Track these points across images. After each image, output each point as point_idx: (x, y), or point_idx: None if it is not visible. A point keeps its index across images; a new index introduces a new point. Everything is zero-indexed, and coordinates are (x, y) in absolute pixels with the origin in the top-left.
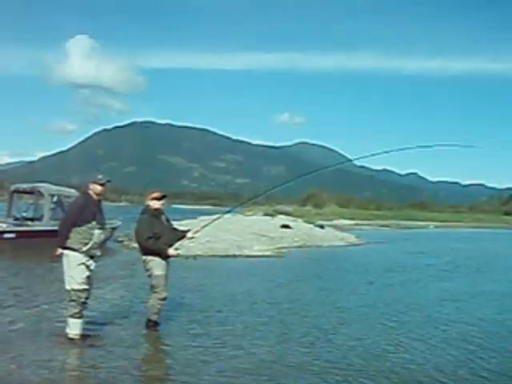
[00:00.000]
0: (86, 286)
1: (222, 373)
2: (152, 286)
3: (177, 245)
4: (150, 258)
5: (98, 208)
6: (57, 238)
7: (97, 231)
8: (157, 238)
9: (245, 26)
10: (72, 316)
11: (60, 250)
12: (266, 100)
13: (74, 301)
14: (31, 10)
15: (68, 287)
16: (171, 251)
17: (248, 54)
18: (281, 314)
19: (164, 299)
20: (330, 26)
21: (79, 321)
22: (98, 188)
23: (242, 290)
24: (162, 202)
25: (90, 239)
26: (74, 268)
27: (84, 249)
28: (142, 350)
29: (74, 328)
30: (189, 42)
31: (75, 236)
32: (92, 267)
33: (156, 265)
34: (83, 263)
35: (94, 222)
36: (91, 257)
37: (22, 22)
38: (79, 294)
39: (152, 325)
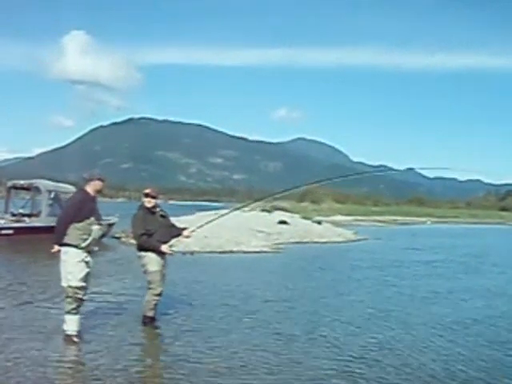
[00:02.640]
0: (84, 284)
1: (217, 371)
2: (147, 282)
3: (173, 241)
4: (144, 253)
5: (94, 204)
6: (54, 235)
7: (95, 227)
8: (150, 235)
9: (243, 22)
10: (69, 312)
11: (57, 247)
12: (264, 96)
13: (70, 297)
14: (27, 5)
15: (65, 284)
16: (164, 248)
17: (246, 49)
18: (268, 312)
19: (159, 295)
20: (330, 22)
21: (76, 317)
22: (100, 184)
23: (237, 286)
24: (148, 199)
25: (89, 235)
26: (74, 265)
27: (83, 245)
28: (139, 347)
29: (71, 325)
30: (186, 37)
31: (74, 232)
32: (90, 264)
33: (151, 261)
34: (83, 260)
35: (92, 218)
36: (89, 252)
37: (17, 18)
38: (77, 290)
39: (148, 321)
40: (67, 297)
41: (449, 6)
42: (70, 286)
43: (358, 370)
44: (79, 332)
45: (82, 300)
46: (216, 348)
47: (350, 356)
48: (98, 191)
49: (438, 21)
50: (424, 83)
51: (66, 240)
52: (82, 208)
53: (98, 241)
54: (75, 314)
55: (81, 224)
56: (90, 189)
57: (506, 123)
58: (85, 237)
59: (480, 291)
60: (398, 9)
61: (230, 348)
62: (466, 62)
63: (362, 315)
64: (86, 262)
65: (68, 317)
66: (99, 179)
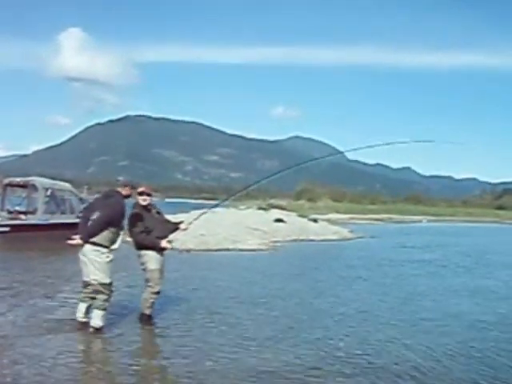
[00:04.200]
0: (111, 280)
1: (212, 370)
2: (146, 280)
3: (171, 237)
4: (144, 252)
5: None
6: (80, 229)
7: (121, 232)
8: (148, 232)
9: (241, 20)
10: (103, 309)
11: (80, 241)
12: (262, 94)
13: (105, 294)
14: (22, 2)
15: (94, 281)
16: (164, 243)
17: (244, 47)
18: (245, 314)
19: (157, 293)
20: (327, 20)
21: (104, 312)
22: (130, 192)
23: (233, 284)
24: (143, 197)
25: (117, 238)
26: (106, 264)
27: (112, 247)
28: (136, 345)
29: (100, 320)
30: (184, 35)
31: (107, 234)
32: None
33: (150, 259)
34: (112, 260)
35: (123, 223)
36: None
37: (13, 15)
38: (110, 287)
39: (145, 319)
40: (99, 293)
41: (447, 5)
42: (102, 283)
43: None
44: (103, 327)
45: (111, 296)
46: (211, 347)
47: (315, 361)
48: (126, 197)
49: (436, 19)
50: (422, 82)
51: (98, 240)
52: (123, 215)
53: None
54: (104, 309)
55: (115, 229)
56: (124, 193)
57: (503, 121)
58: (114, 240)
59: (465, 291)
60: (396, 7)
61: (220, 348)
62: (464, 60)
63: (338, 317)
64: (112, 261)
65: (99, 312)
66: (134, 188)
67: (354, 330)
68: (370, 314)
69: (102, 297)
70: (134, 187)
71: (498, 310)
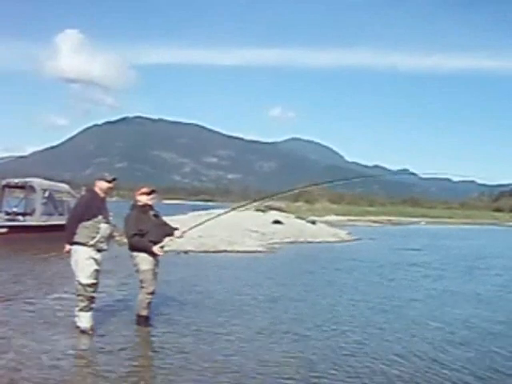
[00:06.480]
0: (93, 281)
1: (211, 370)
2: (140, 281)
3: (166, 240)
4: (136, 253)
5: (103, 204)
6: (64, 234)
7: (103, 225)
8: (143, 235)
9: (239, 21)
10: (81, 310)
11: (68, 247)
12: (259, 96)
13: (81, 295)
14: (19, 3)
15: (77, 282)
16: (156, 249)
17: (242, 49)
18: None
19: (152, 293)
20: (326, 22)
21: (88, 314)
22: (105, 185)
23: (229, 286)
24: (150, 196)
25: (97, 233)
26: (83, 262)
27: (91, 242)
28: (133, 346)
29: (84, 321)
30: (182, 37)
31: (82, 231)
32: (99, 261)
33: (142, 260)
34: (91, 257)
35: (100, 217)
36: (98, 250)
37: (10, 17)
38: (87, 288)
39: (142, 320)
40: (78, 294)
41: (446, 8)
42: (80, 284)
43: None
44: (92, 327)
45: (92, 297)
46: (210, 348)
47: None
48: (105, 192)
49: (435, 22)
50: (420, 84)
51: (76, 239)
52: (89, 207)
53: (107, 240)
54: (87, 311)
55: (89, 223)
56: (97, 189)
57: (501, 124)
58: (93, 235)
59: (453, 297)
60: (395, 10)
61: (223, 348)
62: (462, 63)
63: (309, 332)
64: (95, 260)
65: (80, 313)
66: (102, 179)
67: (318, 343)
68: (341, 323)
69: (80, 297)
70: (102, 179)
71: (461, 314)
